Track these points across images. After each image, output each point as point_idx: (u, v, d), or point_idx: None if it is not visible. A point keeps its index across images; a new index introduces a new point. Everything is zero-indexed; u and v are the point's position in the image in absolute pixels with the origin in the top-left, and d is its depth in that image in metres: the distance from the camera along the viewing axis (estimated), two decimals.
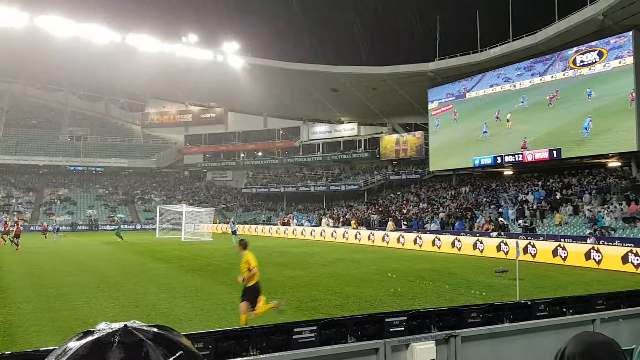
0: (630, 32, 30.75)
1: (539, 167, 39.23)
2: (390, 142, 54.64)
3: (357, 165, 59.99)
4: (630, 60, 30.77)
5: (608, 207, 29.69)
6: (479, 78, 41.14)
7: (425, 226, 37.63)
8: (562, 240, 25.18)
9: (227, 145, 71.22)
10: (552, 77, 35.40)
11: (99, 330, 0.96)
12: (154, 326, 1.00)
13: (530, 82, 36.99)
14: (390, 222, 38.94)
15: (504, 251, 25.02)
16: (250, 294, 9.61)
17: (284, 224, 49.69)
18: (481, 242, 26.97)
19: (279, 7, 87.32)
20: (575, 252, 21.82)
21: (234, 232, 36.97)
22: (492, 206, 37.31)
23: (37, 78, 70.27)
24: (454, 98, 43.40)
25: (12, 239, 30.32)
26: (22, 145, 64.70)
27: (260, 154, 69.98)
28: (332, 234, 39.72)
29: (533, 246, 23.79)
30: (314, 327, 4.88)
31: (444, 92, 44.16)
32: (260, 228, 50.40)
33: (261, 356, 4.56)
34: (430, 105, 45.35)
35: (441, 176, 49.15)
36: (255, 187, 65.44)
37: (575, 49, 34.02)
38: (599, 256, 20.68)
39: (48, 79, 69.99)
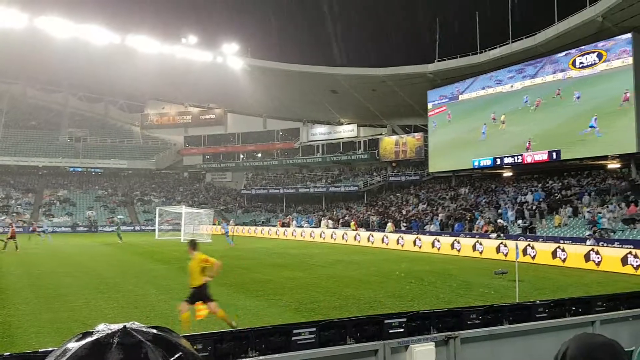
0: (630, 34, 30.79)
1: (538, 168, 39.24)
2: (389, 143, 54.66)
3: (357, 167, 60.00)
4: (629, 61, 30.80)
5: (607, 208, 29.71)
6: (471, 81, 41.69)
7: (425, 227, 37.63)
8: (562, 241, 25.19)
9: (226, 147, 71.22)
10: (542, 80, 36.09)
11: (98, 331, 0.96)
12: (153, 327, 1.00)
13: (521, 84, 37.62)
14: (389, 224, 38.94)
15: (503, 253, 25.02)
16: (197, 296, 9.30)
17: (283, 225, 49.67)
18: (480, 244, 26.98)
19: (278, 9, 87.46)
20: (574, 254, 21.82)
21: (225, 234, 36.55)
22: (492, 207, 37.32)
23: (36, 79, 70.24)
24: (447, 100, 43.92)
25: (5, 241, 30.16)
26: (22, 146, 64.70)
27: (259, 155, 69.98)
28: (332, 235, 39.70)
29: (532, 248, 23.79)
30: (313, 329, 4.87)
31: (439, 94, 44.45)
32: (259, 229, 50.37)
33: (260, 358, 4.56)
34: (429, 107, 45.47)
35: (440, 177, 49.18)
36: (255, 188, 65.44)
37: (565, 52, 34.52)
38: (598, 258, 20.69)
39: (47, 80, 69.98)
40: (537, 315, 6.10)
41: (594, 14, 31.41)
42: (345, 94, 51.95)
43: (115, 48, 52.38)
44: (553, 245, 23.35)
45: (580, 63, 33.56)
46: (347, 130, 60.61)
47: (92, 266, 21.82)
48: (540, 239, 27.27)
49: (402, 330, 5.23)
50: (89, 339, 0.93)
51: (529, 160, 36.76)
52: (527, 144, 36.61)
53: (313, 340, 4.84)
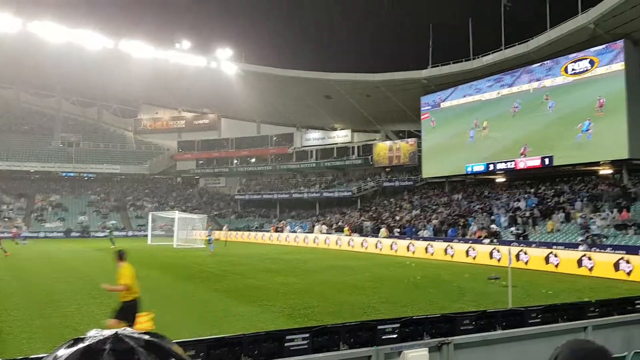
0: (621, 41, 31.04)
1: (531, 174, 39.39)
2: (383, 149, 54.77)
3: (351, 172, 60.04)
4: (621, 67, 31.03)
5: (600, 214, 29.85)
6: (452, 90, 42.96)
7: (418, 233, 37.68)
8: (554, 247, 25.27)
9: (220, 152, 71.10)
10: (518, 88, 37.48)
11: (89, 337, 0.95)
12: (146, 333, 1.00)
13: (499, 92, 38.91)
14: (383, 229, 38.95)
15: (496, 258, 25.07)
16: (126, 311, 8.74)
17: (277, 231, 49.59)
18: (474, 249, 27.03)
19: (272, 14, 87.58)
20: (567, 260, 21.90)
21: (209, 240, 34.79)
22: (485, 213, 37.43)
23: (29, 84, 69.99)
24: (430, 107, 44.94)
25: None
26: (14, 151, 64.33)
27: (253, 160, 69.89)
28: (325, 240, 39.68)
29: (525, 253, 23.87)
30: (307, 335, 4.87)
31: (426, 101, 45.27)
32: (253, 235, 50.27)
33: None
34: (422, 112, 45.73)
35: (434, 183, 49.28)
36: (249, 193, 65.33)
37: (540, 64, 36.02)
38: (591, 263, 20.76)
39: (41, 85, 69.71)
40: (530, 321, 6.11)
41: (586, 21, 31.64)
42: (339, 100, 52.05)
43: (109, 53, 52.31)
44: (546, 251, 23.43)
45: (573, 69, 33.79)
46: (341, 136, 60.67)
47: (84, 271, 21.70)
48: (533, 245, 27.35)
49: (395, 336, 5.23)
50: (80, 345, 0.92)
51: (521, 166, 36.91)
52: (523, 150, 36.87)
53: (306, 346, 4.83)
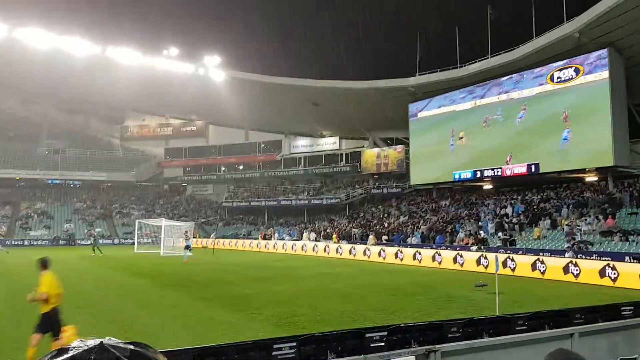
0: (606, 49, 31.47)
1: (518, 181, 39.68)
2: (371, 156, 54.92)
3: (339, 179, 60.09)
4: (605, 75, 31.46)
5: (585, 221, 30.13)
6: (428, 100, 44.26)
7: (406, 240, 37.76)
8: (541, 254, 25.44)
9: (207, 159, 70.85)
10: (489, 100, 39.18)
11: (74, 347, 0.95)
12: (131, 343, 0.99)
13: (472, 104, 40.38)
14: (371, 236, 38.99)
15: (483, 265, 25.19)
16: (47, 323, 8.48)
17: (265, 238, 49.45)
18: (461, 256, 27.14)
19: (261, 22, 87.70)
20: (553, 266, 22.05)
21: (187, 247, 33.62)
22: (472, 220, 37.62)
23: (16, 90, 69.29)
24: (414, 117, 45.74)
25: None
26: None
27: (241, 167, 69.71)
28: (314, 247, 39.62)
29: (512, 260, 24.00)
30: (294, 343, 4.84)
31: (412, 108, 46.00)
32: (241, 242, 50.06)
33: None
34: (410, 119, 46.01)
35: (422, 190, 49.44)
36: (236, 200, 65.11)
37: (508, 77, 37.73)
38: (577, 270, 20.92)
39: (27, 91, 69.04)
40: (517, 328, 6.14)
41: (571, 29, 32.03)
42: (327, 107, 52.16)
43: (96, 59, 52.00)
44: (532, 258, 23.57)
45: (558, 77, 34.18)
46: (329, 143, 60.77)
47: (69, 280, 21.44)
48: (520, 251, 27.51)
49: (383, 344, 5.22)
50: (65, 356, 0.91)
51: (508, 173, 37.19)
52: (508, 158, 37.23)
53: (293, 355, 4.80)
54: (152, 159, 72.93)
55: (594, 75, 32.08)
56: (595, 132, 31.79)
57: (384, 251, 32.52)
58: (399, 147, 52.40)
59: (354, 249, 35.50)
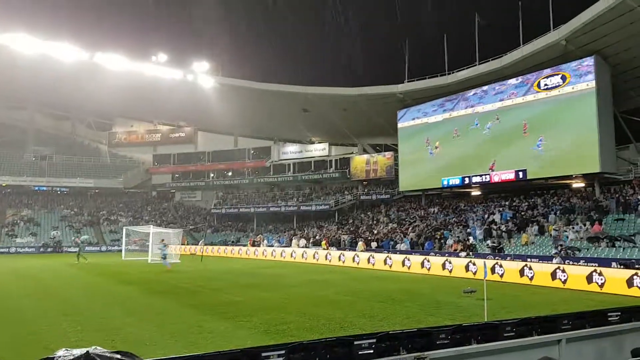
0: (592, 57, 31.81)
1: (506, 187, 39.93)
2: (360, 162, 55.03)
3: (328, 185, 60.10)
4: (592, 84, 31.79)
5: (573, 227, 30.34)
6: (404, 112, 45.70)
7: (395, 246, 37.80)
8: (529, 260, 25.57)
9: (196, 165, 70.60)
10: (457, 113, 40.92)
11: (58, 357, 0.93)
12: (117, 352, 0.97)
13: (442, 116, 42.23)
14: (360, 243, 39.00)
15: (472, 271, 25.27)
16: None
17: (254, 245, 49.30)
18: (450, 263, 27.19)
19: (249, 28, 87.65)
20: (541, 272, 22.16)
21: (163, 257, 31.65)
22: (461, 226, 37.75)
23: (2, 96, 68.70)
24: (397, 124, 46.60)
25: None
26: None
27: (230, 174, 69.51)
28: (303, 254, 39.52)
29: (500, 266, 24.09)
30: (282, 352, 4.81)
31: (400, 115, 46.59)
32: (229, 249, 49.87)
33: None
34: (399, 126, 46.23)
35: (411, 196, 49.60)
36: (225, 207, 64.88)
37: (474, 92, 39.79)
38: (564, 276, 21.04)
39: (13, 97, 68.48)
40: (505, 334, 6.14)
41: (558, 37, 32.39)
42: (317, 113, 52.25)
43: (84, 65, 51.78)
44: (520, 264, 23.68)
45: (545, 85, 34.51)
46: (318, 149, 60.84)
47: (56, 288, 21.23)
48: (508, 257, 27.64)
49: (372, 351, 5.20)
50: None
51: (496, 179, 37.41)
52: (491, 165, 37.59)
53: None
54: (140, 166, 72.52)
55: (580, 82, 32.42)
56: (582, 139, 32.09)
57: (373, 257, 32.52)
58: (388, 154, 52.56)
59: (343, 255, 35.47)
